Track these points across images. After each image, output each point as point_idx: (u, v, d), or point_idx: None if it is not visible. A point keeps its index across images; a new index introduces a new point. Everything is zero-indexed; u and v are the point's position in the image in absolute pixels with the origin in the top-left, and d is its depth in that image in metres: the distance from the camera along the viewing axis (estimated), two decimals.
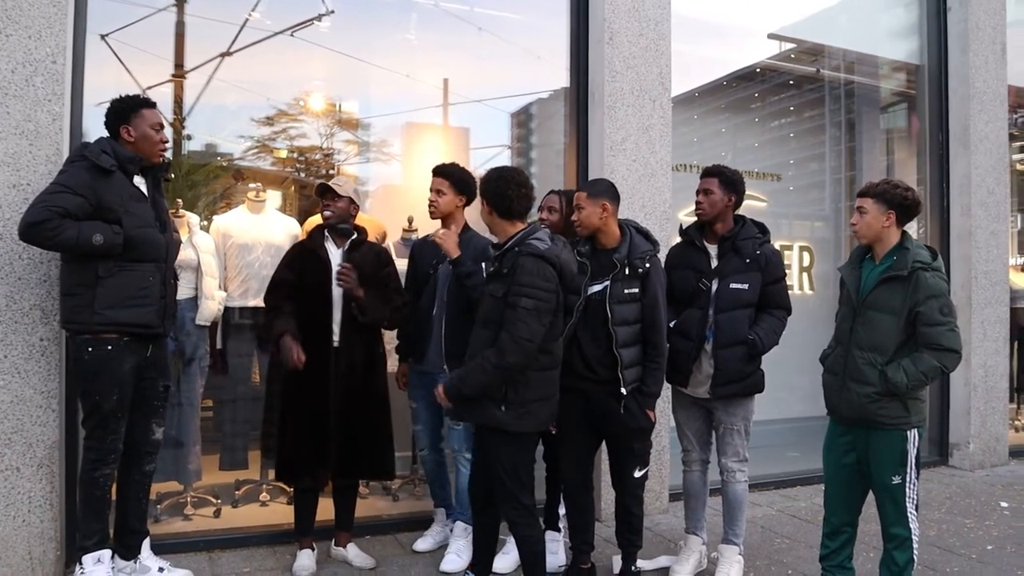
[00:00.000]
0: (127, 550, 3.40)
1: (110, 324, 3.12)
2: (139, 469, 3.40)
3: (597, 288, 3.37)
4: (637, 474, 3.48)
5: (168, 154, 3.45)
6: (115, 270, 3.12)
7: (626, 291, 3.36)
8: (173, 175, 3.55)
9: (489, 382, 2.96)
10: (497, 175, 3.17)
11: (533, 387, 3.03)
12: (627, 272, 3.36)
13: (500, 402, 2.99)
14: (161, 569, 3.44)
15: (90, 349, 3.13)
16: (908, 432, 3.06)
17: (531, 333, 2.92)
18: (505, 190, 3.11)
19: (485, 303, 3.10)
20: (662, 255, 3.62)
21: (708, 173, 3.68)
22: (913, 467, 3.08)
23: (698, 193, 3.67)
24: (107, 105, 3.32)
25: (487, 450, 3.10)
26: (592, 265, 3.41)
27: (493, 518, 3.29)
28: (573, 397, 3.41)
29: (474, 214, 3.64)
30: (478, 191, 3.23)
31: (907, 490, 3.08)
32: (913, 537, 3.10)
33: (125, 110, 3.27)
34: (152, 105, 3.35)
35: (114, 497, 3.38)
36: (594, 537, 3.65)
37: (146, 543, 3.48)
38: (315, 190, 3.76)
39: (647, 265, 3.37)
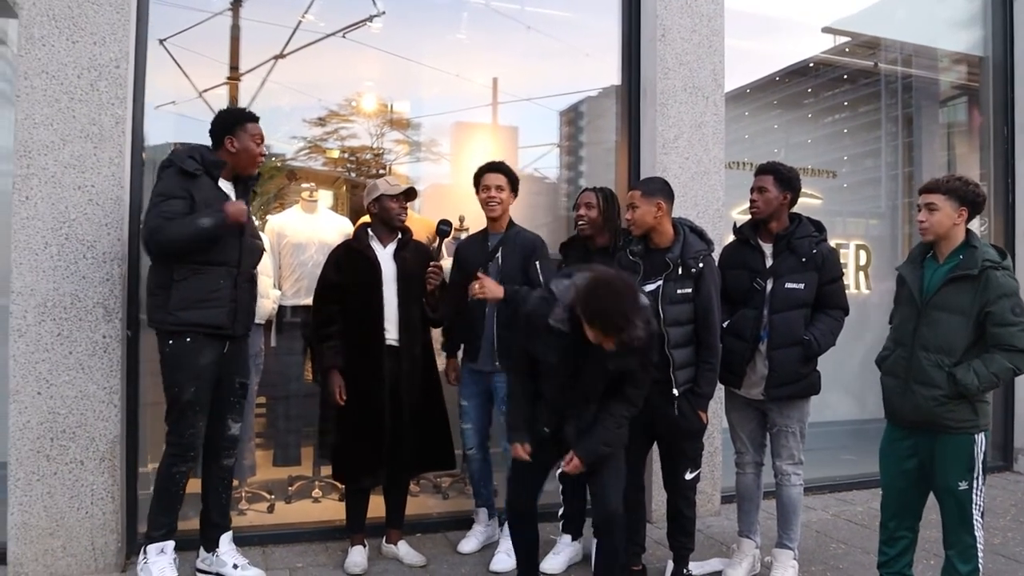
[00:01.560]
0: (208, 542, 3.53)
1: (183, 324, 3.25)
2: (217, 464, 3.52)
3: (650, 288, 3.33)
4: (688, 476, 3.44)
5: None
6: (188, 274, 3.25)
7: (679, 291, 3.32)
8: (257, 190, 3.66)
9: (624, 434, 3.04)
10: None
11: None
12: (680, 272, 3.32)
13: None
14: (236, 566, 3.52)
15: (170, 342, 3.28)
16: (976, 436, 2.97)
17: None
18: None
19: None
20: (716, 253, 3.57)
21: (763, 170, 3.61)
22: (980, 472, 2.98)
23: (752, 191, 3.60)
24: (215, 114, 3.52)
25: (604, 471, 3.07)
26: (644, 265, 3.38)
27: (533, 531, 3.24)
28: None
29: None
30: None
31: (974, 496, 2.98)
32: (978, 545, 3.00)
33: (232, 122, 3.41)
34: (256, 120, 3.47)
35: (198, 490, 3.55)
36: (645, 539, 3.62)
37: (226, 537, 3.57)
38: (402, 194, 3.80)
39: (700, 265, 3.32)
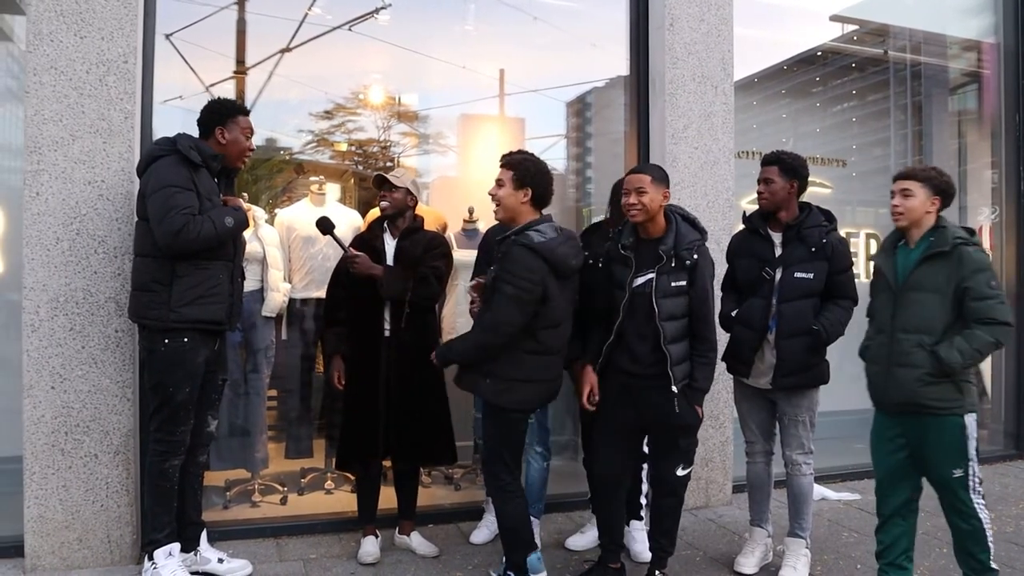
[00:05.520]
0: (187, 542, 3.44)
1: (185, 321, 3.18)
2: (194, 460, 3.45)
3: (641, 281, 3.21)
4: (680, 472, 3.33)
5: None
6: (191, 268, 3.19)
7: (673, 284, 3.18)
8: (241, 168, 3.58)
9: (468, 353, 3.20)
10: (544, 166, 3.32)
11: (518, 366, 3.14)
12: (673, 264, 3.18)
13: (484, 375, 3.15)
14: (221, 560, 3.51)
15: (166, 341, 3.19)
16: (965, 417, 2.96)
17: (509, 318, 3.06)
18: (549, 181, 3.28)
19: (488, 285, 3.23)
20: (725, 243, 3.53)
21: (767, 161, 3.56)
22: (974, 456, 2.97)
23: (759, 183, 3.57)
24: (206, 102, 3.43)
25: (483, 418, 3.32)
26: (636, 257, 3.24)
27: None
28: (621, 393, 3.31)
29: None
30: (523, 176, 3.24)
31: (970, 482, 2.97)
32: (985, 527, 3.00)
33: (224, 113, 3.36)
34: (247, 113, 3.43)
35: None
36: (623, 536, 3.59)
37: (203, 535, 3.55)
38: (372, 181, 3.81)
39: (695, 256, 3.19)
